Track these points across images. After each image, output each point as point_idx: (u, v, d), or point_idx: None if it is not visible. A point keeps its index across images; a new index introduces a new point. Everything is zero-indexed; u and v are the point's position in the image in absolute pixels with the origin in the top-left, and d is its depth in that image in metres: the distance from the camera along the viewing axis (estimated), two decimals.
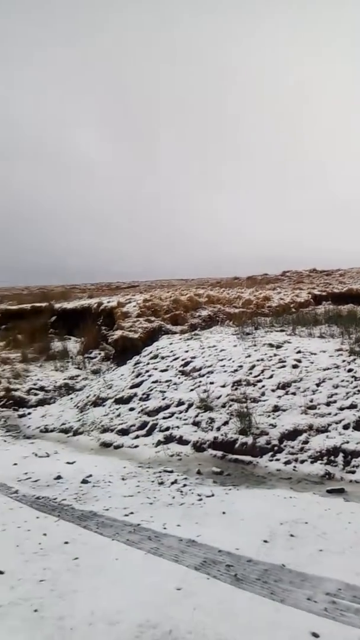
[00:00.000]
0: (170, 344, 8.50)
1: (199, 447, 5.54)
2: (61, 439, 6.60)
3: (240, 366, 6.67)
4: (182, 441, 5.71)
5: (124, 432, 6.31)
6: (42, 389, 9.59)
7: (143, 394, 6.95)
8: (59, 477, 4.89)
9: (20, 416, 8.01)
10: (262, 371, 6.44)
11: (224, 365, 6.87)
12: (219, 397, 6.15)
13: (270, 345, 7.16)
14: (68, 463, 5.39)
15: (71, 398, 8.38)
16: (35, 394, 9.30)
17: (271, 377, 6.28)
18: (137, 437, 6.11)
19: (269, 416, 5.56)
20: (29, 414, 8.05)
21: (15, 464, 5.38)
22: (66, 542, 3.52)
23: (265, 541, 3.34)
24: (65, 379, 10.16)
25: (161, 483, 4.68)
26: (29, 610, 2.76)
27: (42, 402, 8.96)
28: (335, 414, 5.38)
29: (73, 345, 13.14)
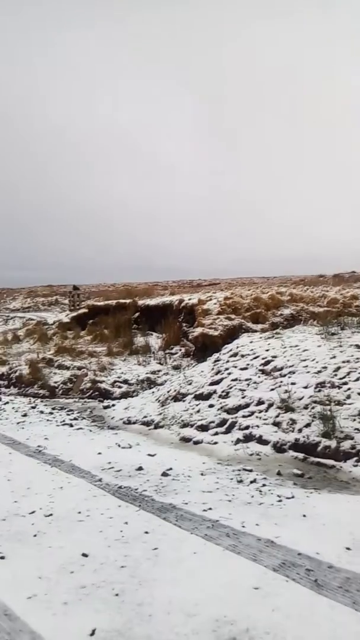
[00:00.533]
0: (251, 342, 8.41)
1: (279, 447, 5.44)
2: (143, 431, 6.79)
3: (325, 367, 6.45)
4: (261, 441, 5.64)
5: (203, 428, 6.35)
6: (125, 382, 9.92)
7: (222, 392, 6.95)
8: (140, 469, 5.04)
9: (105, 407, 8.34)
10: (348, 373, 6.18)
11: (306, 366, 6.68)
12: (300, 399, 6.00)
13: (358, 346, 6.85)
14: (149, 455, 5.53)
15: (153, 392, 8.59)
16: (119, 387, 9.64)
17: (358, 379, 6.01)
18: (216, 433, 6.13)
19: (354, 420, 5.33)
20: (113, 405, 8.36)
21: (99, 453, 5.62)
22: (146, 532, 3.62)
23: (348, 548, 3.22)
24: (147, 373, 10.43)
25: (240, 481, 4.66)
26: (110, 593, 2.88)
27: (125, 395, 9.27)
28: None
29: (155, 340, 13.44)
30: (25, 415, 7.83)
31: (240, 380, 7.07)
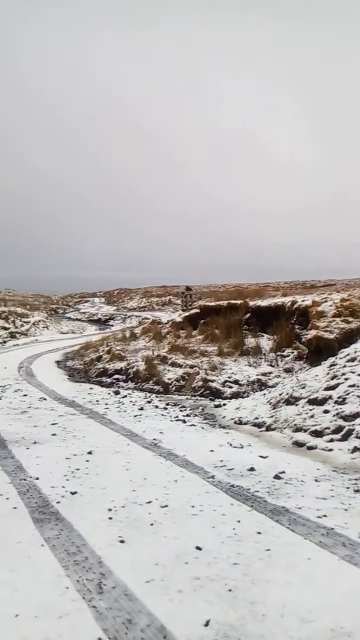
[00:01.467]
0: None
1: None
2: (254, 433, 6.78)
3: None
4: None
5: (317, 434, 6.17)
6: (236, 382, 9.97)
7: (339, 397, 6.69)
8: (252, 469, 5.05)
9: (216, 406, 8.46)
10: None
11: None
12: None
13: None
14: (261, 457, 5.51)
15: (264, 394, 8.53)
16: (230, 387, 9.72)
17: None
18: (331, 440, 5.92)
19: None
20: (224, 405, 8.45)
21: (211, 451, 5.73)
22: (259, 532, 3.63)
23: None
24: (258, 374, 10.37)
25: (357, 491, 4.46)
26: (223, 588, 2.95)
27: (235, 395, 9.32)
28: None
29: (266, 342, 13.29)
30: (141, 409, 8.22)
31: (358, 386, 6.74)
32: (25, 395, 9.41)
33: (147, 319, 30.90)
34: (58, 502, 4.23)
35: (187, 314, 19.72)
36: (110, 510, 4.08)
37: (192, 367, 11.15)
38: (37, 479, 4.80)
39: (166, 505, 4.15)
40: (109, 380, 11.87)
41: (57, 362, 15.36)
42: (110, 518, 3.94)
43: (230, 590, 2.92)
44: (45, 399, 9.05)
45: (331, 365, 7.94)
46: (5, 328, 24.98)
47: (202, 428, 6.98)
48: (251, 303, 16.52)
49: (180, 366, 11.40)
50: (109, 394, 9.85)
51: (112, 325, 34.75)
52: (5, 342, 22.74)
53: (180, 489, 4.53)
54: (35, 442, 6.08)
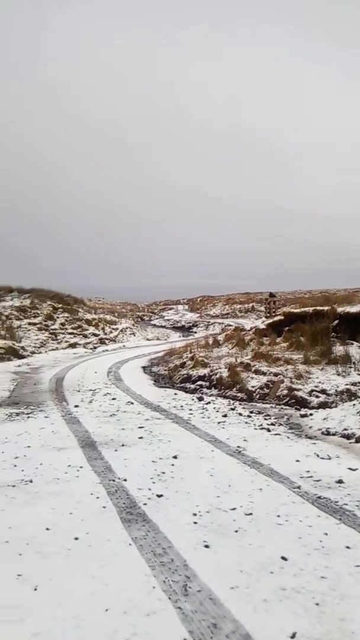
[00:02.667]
0: None
1: None
2: (342, 444, 6.52)
3: None
4: None
5: None
6: (323, 391, 9.63)
7: None
8: (340, 482, 4.87)
9: (302, 416, 8.24)
10: None
11: None
12: None
13: None
14: (350, 469, 5.29)
15: (354, 404, 8.16)
16: (317, 396, 9.41)
17: None
18: None
19: None
20: (311, 414, 8.20)
21: (297, 461, 5.60)
22: (348, 547, 3.50)
23: None
24: (347, 384, 9.93)
25: None
26: (310, 601, 2.88)
27: (322, 405, 8.99)
28: None
29: (355, 350, 12.71)
30: (225, 415, 8.23)
31: None
32: (114, 399, 9.79)
33: (229, 326, 30.84)
34: (145, 504, 4.37)
35: (270, 320, 19.40)
36: (195, 514, 4.14)
37: (276, 375, 10.95)
38: (125, 480, 4.98)
39: (251, 513, 4.13)
40: (192, 386, 11.99)
41: (143, 367, 15.79)
42: (195, 522, 3.99)
43: (317, 604, 2.85)
44: (132, 403, 9.35)
45: None
46: (95, 334, 26.14)
47: (288, 437, 6.83)
48: (339, 309, 15.89)
49: (264, 374, 11.24)
50: (192, 399, 9.95)
51: (195, 332, 35.08)
52: (95, 347, 23.80)
53: (265, 498, 4.48)
54: (123, 445, 6.31)
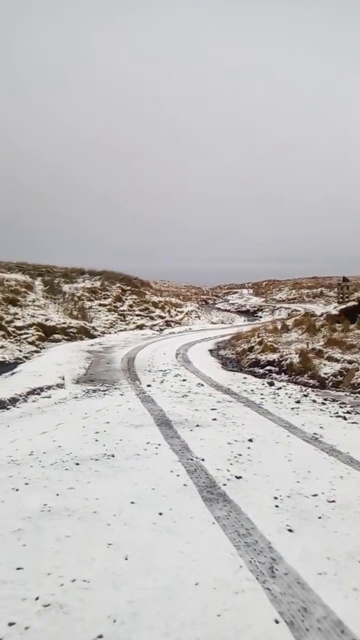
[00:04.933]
0: None
1: None
2: None
3: None
4: None
5: None
6: None
7: None
8: None
9: None
10: None
11: None
12: None
13: None
14: None
15: None
16: None
17: None
18: None
19: None
20: None
21: None
22: None
23: None
24: None
25: None
26: None
27: None
28: None
29: None
30: (298, 402, 8.09)
31: None
32: (184, 380, 9.91)
33: (297, 311, 30.16)
34: (224, 485, 4.41)
35: (343, 306, 18.77)
36: (276, 498, 4.12)
37: (350, 362, 10.61)
38: (203, 460, 5.05)
39: (333, 501, 4.06)
40: (261, 370, 11.89)
41: (210, 350, 15.83)
42: (277, 506, 3.98)
43: None
44: (202, 385, 9.42)
45: None
46: (161, 317, 26.50)
47: None
48: None
49: (337, 361, 10.92)
50: (263, 384, 9.87)
51: (261, 317, 34.62)
52: (162, 330, 24.15)
53: (347, 486, 4.38)
54: (197, 425, 6.39)
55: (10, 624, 2.57)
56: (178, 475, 4.62)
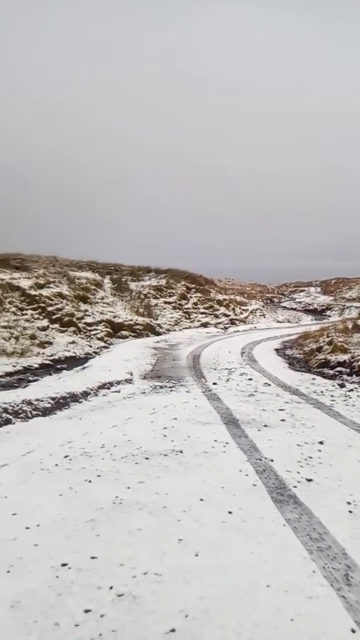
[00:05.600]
0: None
1: None
2: None
3: None
4: None
5: None
6: None
7: None
8: None
9: None
10: None
11: None
12: None
13: None
14: None
15: None
16: None
17: None
18: None
19: None
20: None
21: None
22: None
23: None
24: None
25: None
26: None
27: None
28: None
29: None
30: None
31: None
32: (250, 379, 9.81)
33: None
34: (295, 487, 4.32)
35: None
36: (349, 503, 3.98)
37: None
38: (272, 460, 4.97)
39: None
40: (331, 372, 11.53)
41: (276, 349, 15.58)
42: (350, 511, 3.84)
43: None
44: (269, 385, 9.28)
45: None
46: (226, 315, 26.42)
47: None
48: None
49: None
50: (333, 386, 9.56)
51: (329, 316, 33.58)
52: (226, 328, 24.08)
53: None
54: (265, 425, 6.30)
55: (87, 611, 2.65)
56: (247, 475, 4.57)
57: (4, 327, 14.80)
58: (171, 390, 8.59)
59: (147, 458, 4.99)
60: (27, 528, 3.53)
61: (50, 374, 11.70)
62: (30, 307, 17.07)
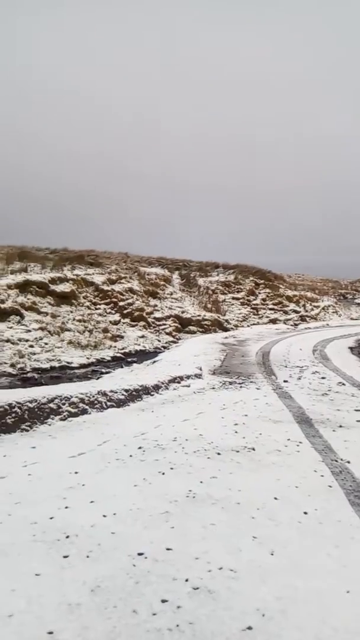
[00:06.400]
0: None
1: None
2: None
3: None
4: None
5: None
6: None
7: None
8: None
9: None
10: None
11: None
12: None
13: None
14: None
15: None
16: None
17: None
18: None
19: None
20: None
21: None
22: None
23: None
24: None
25: None
26: None
27: None
28: None
29: None
30: None
31: None
32: (323, 377, 9.52)
33: None
34: None
35: None
36: None
37: None
38: (349, 462, 4.79)
39: None
40: None
41: (350, 348, 14.99)
42: None
43: None
44: (343, 384, 8.95)
45: None
46: (295, 311, 25.82)
47: None
48: None
49: None
50: None
51: None
52: (296, 324, 23.54)
53: None
54: (340, 426, 6.08)
55: (163, 601, 2.69)
56: (322, 476, 4.44)
57: (79, 320, 15.37)
58: (241, 387, 8.52)
59: (218, 453, 4.99)
60: (104, 516, 3.65)
61: (122, 367, 12.03)
62: (103, 301, 17.59)
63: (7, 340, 12.33)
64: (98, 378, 10.17)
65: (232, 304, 23.97)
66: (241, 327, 21.36)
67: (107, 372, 11.33)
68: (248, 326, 21.92)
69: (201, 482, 4.27)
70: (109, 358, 13.31)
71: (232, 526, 3.51)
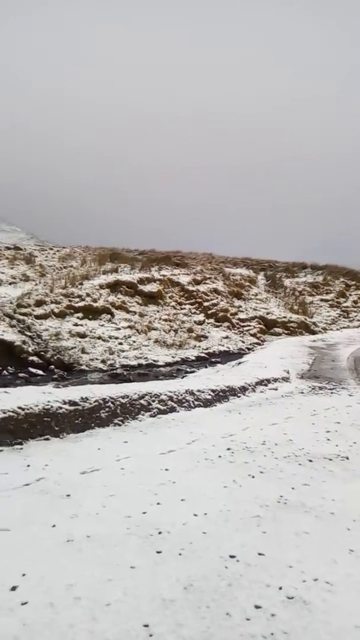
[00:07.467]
0: None
1: None
2: None
3: None
4: None
5: None
6: None
7: None
8: None
9: None
10: None
11: None
12: None
13: None
14: None
15: None
16: None
17: None
18: None
19: None
20: None
21: None
22: None
23: None
24: None
25: None
26: None
27: None
28: None
29: None
30: None
31: None
32: None
33: None
34: None
35: None
36: None
37: None
38: None
39: None
40: None
41: None
42: None
43: None
44: None
45: None
46: None
47: None
48: None
49: None
50: None
51: None
52: None
53: None
54: None
55: (257, 607, 2.65)
56: None
57: (165, 320, 15.67)
58: (332, 393, 8.21)
59: (310, 460, 4.84)
60: (195, 515, 3.67)
61: (206, 367, 12.09)
62: (188, 302, 17.80)
63: (99, 338, 12.88)
64: (183, 377, 10.29)
65: (320, 306, 23.19)
66: (330, 330, 20.59)
67: (191, 372, 11.45)
68: (337, 329, 21.07)
69: (293, 488, 4.16)
70: (193, 358, 13.44)
71: (327, 536, 3.38)
